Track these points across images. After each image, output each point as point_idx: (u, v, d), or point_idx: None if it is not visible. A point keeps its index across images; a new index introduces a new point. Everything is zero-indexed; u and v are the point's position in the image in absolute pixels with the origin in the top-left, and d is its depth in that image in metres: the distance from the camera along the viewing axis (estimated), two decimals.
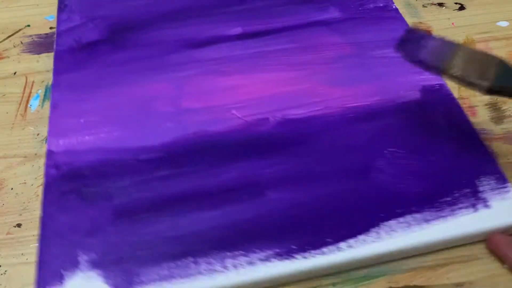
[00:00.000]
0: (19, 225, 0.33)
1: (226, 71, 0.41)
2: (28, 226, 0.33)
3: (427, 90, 0.39)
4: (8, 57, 0.45)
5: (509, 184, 0.33)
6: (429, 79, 0.40)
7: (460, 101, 0.39)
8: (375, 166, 0.35)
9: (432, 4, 0.49)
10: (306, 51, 0.43)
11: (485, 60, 0.32)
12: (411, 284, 0.31)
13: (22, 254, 0.32)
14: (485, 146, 0.36)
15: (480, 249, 0.32)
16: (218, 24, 0.45)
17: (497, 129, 0.38)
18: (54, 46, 0.44)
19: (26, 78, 0.43)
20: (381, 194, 0.33)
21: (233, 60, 0.42)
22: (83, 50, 0.43)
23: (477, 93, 0.41)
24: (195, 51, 0.43)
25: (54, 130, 0.37)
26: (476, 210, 0.32)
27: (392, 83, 0.40)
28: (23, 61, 0.45)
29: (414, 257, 0.32)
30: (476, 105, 0.40)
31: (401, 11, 0.46)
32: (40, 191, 0.35)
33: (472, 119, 0.38)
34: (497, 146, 0.37)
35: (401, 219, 0.32)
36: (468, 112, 0.39)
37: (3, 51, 0.46)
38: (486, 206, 0.32)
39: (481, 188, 0.33)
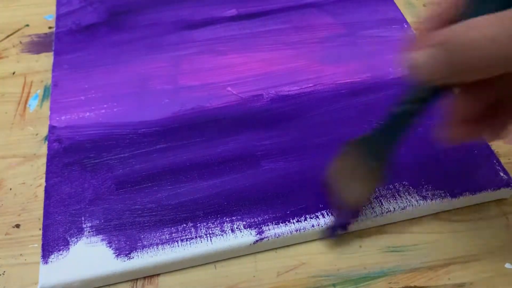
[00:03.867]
0: (18, 226, 0.33)
1: (222, 51, 0.43)
2: (27, 226, 0.33)
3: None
4: (7, 57, 0.45)
5: (495, 153, 0.35)
6: None
7: None
8: None
9: (433, 3, 0.49)
10: (299, 31, 0.45)
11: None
12: (412, 284, 0.31)
13: (21, 254, 0.32)
14: None
15: (480, 249, 0.32)
16: (213, 6, 0.47)
17: None
18: (54, 28, 0.46)
19: (25, 78, 0.43)
20: None
21: (228, 40, 0.44)
22: (82, 32, 0.45)
23: None
24: (191, 32, 0.45)
25: (56, 107, 0.39)
26: (464, 176, 0.34)
27: (381, 61, 0.42)
28: (22, 61, 0.44)
29: (414, 258, 0.32)
30: None
31: (402, 10, 0.46)
32: (39, 191, 0.35)
33: None
34: (497, 146, 0.37)
35: (390, 186, 0.33)
36: None
37: (2, 50, 0.45)
38: (474, 173, 0.34)
39: (467, 155, 0.35)
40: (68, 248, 0.31)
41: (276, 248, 0.32)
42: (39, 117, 0.40)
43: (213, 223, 0.32)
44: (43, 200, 0.33)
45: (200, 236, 0.31)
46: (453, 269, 0.31)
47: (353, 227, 0.32)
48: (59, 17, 0.47)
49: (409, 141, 0.35)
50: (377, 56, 0.42)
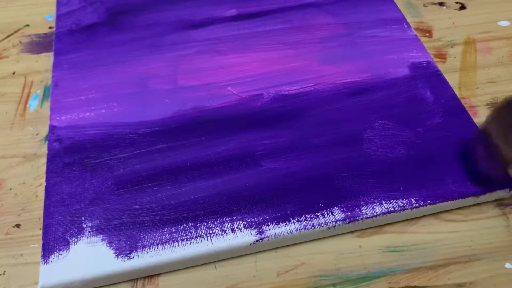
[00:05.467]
0: (18, 226, 0.33)
1: (222, 51, 0.43)
2: (27, 226, 0.33)
3: (415, 67, 0.42)
4: (7, 57, 0.45)
5: None
6: (417, 56, 0.42)
7: (461, 101, 0.39)
8: (365, 137, 0.36)
9: (433, 3, 0.49)
10: (299, 31, 0.45)
11: None
12: (412, 284, 0.31)
13: (21, 254, 0.32)
14: (470, 117, 0.38)
15: (480, 249, 0.32)
16: (213, 7, 0.47)
17: None
18: (54, 28, 0.46)
19: (25, 78, 0.43)
20: (371, 162, 0.35)
21: (229, 40, 0.44)
22: (82, 32, 0.45)
23: (478, 93, 0.41)
24: (191, 32, 0.45)
25: (56, 107, 0.39)
26: (464, 177, 0.34)
27: (381, 61, 0.42)
28: (22, 61, 0.44)
29: (414, 258, 0.32)
30: (477, 105, 0.40)
31: (402, 10, 0.46)
32: (39, 191, 0.35)
33: (473, 119, 0.38)
34: None
35: (391, 186, 0.34)
36: (469, 112, 0.38)
37: (2, 50, 0.45)
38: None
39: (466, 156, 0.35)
40: (68, 248, 0.31)
41: (276, 248, 0.32)
42: (39, 117, 0.40)
43: (213, 223, 0.32)
44: (43, 200, 0.34)
45: (200, 236, 0.31)
46: (453, 269, 0.31)
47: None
48: (59, 17, 0.47)
49: (409, 141, 0.36)
50: (377, 56, 0.42)
